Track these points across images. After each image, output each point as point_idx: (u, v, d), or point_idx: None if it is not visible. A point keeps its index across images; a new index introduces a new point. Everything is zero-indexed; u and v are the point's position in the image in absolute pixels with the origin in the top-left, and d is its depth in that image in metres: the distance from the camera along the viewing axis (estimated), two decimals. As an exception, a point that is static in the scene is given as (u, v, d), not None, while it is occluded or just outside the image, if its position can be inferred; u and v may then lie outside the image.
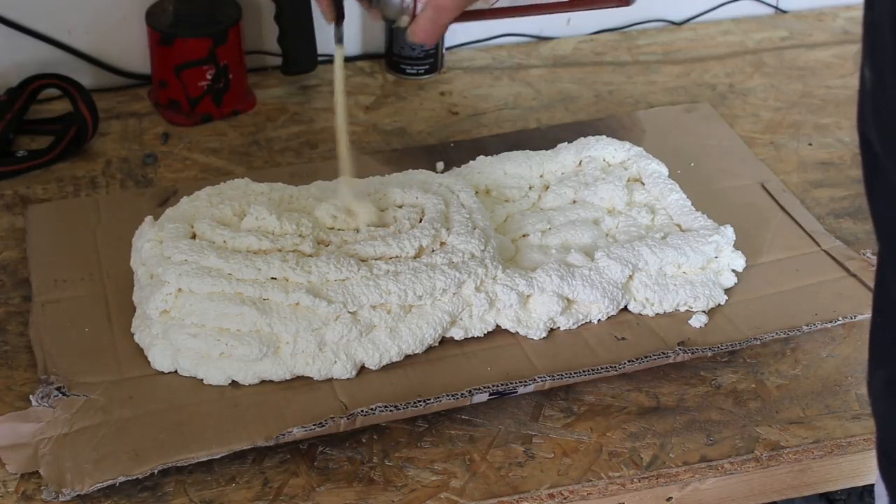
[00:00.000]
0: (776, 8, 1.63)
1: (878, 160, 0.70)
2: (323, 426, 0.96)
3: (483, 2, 1.03)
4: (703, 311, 1.09)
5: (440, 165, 1.26)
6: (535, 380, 1.01)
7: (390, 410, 0.97)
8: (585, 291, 1.06)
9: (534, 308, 1.07)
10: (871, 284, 0.87)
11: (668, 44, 1.56)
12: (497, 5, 1.11)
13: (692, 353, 1.04)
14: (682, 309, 1.09)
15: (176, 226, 1.07)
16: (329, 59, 1.48)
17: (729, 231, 1.13)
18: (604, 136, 1.25)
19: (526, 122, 1.40)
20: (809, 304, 1.10)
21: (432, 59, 1.47)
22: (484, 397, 1.01)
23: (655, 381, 1.06)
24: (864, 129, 0.70)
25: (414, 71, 1.47)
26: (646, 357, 1.04)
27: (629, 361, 1.03)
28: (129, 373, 1.02)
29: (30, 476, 0.94)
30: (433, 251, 1.07)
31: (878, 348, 0.76)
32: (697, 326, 1.08)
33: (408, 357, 1.04)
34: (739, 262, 1.13)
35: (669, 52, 1.54)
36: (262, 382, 1.01)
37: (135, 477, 0.92)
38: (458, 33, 1.52)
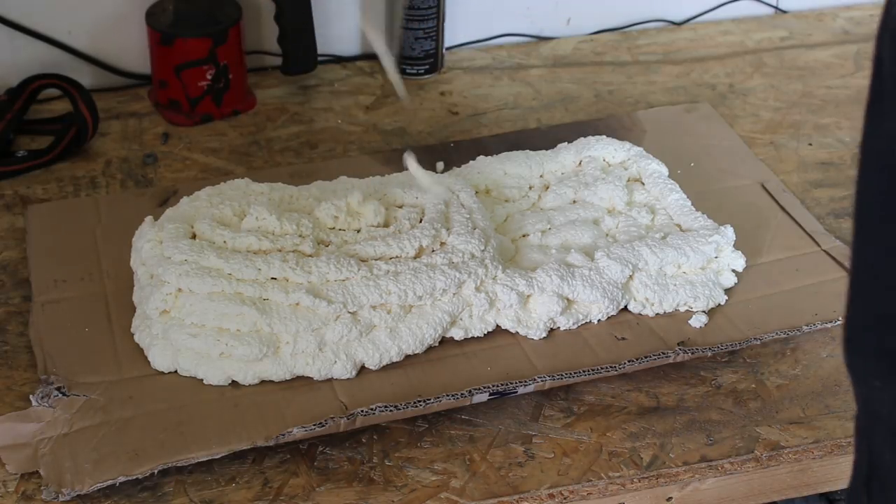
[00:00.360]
0: (776, 8, 1.63)
1: (884, 87, 0.67)
2: (323, 426, 0.96)
3: None
4: (703, 311, 1.09)
5: (440, 165, 1.26)
6: (535, 380, 1.01)
7: (390, 410, 0.97)
8: (585, 291, 1.06)
9: (534, 308, 1.06)
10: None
11: (668, 44, 1.56)
12: None
13: (692, 353, 1.04)
14: (682, 309, 1.09)
15: (176, 226, 1.07)
16: (329, 59, 1.48)
17: (729, 231, 1.13)
18: (604, 136, 1.25)
19: (526, 122, 1.40)
20: (809, 304, 1.10)
21: (432, 59, 1.47)
22: (484, 397, 1.01)
23: (655, 381, 1.06)
24: (881, 49, 0.68)
25: (414, 71, 1.47)
26: (646, 357, 1.04)
27: (629, 361, 1.03)
28: (129, 373, 1.02)
29: (30, 476, 0.94)
30: (433, 251, 1.07)
31: None
32: (697, 326, 1.08)
33: (408, 357, 1.04)
34: (739, 262, 1.13)
35: (669, 52, 1.54)
36: (262, 382, 1.01)
37: (135, 477, 0.92)
38: (459, 33, 1.52)
